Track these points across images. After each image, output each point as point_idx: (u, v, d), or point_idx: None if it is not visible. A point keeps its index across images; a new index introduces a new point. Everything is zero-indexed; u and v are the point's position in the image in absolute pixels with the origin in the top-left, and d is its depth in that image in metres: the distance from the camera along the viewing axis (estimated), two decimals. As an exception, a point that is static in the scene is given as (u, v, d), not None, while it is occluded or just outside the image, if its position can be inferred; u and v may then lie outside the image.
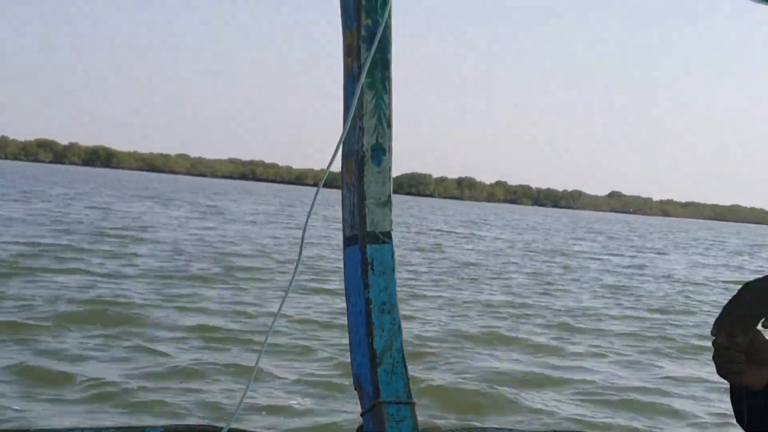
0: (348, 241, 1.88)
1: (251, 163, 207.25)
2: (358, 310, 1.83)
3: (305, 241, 1.90)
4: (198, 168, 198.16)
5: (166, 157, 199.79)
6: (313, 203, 1.83)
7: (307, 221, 1.86)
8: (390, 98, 1.89)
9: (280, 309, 1.92)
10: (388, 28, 1.87)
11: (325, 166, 1.81)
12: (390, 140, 1.89)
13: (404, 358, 1.82)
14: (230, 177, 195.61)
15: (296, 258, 1.89)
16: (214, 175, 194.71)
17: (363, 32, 1.86)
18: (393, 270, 1.84)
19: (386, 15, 1.87)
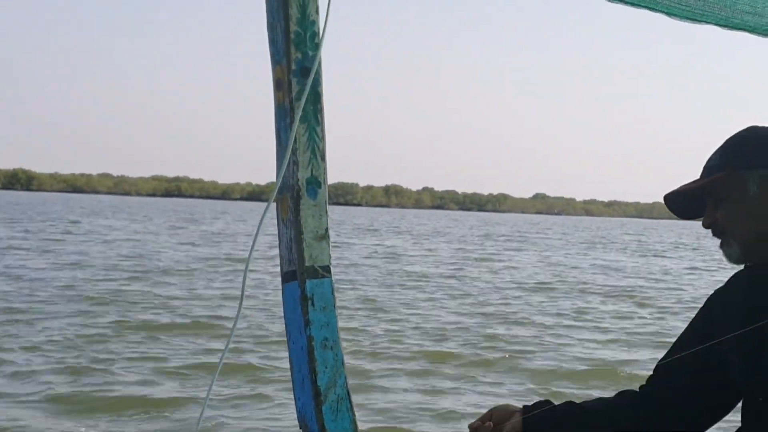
0: (286, 277, 1.86)
1: (176, 179, 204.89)
2: (300, 347, 1.81)
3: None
4: (122, 187, 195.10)
5: (88, 177, 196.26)
6: (253, 243, 1.80)
7: (247, 265, 1.84)
8: (323, 131, 1.88)
9: (227, 346, 1.88)
10: (318, 60, 1.86)
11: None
12: (325, 173, 1.88)
13: (349, 393, 1.80)
14: (154, 195, 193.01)
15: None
16: (139, 194, 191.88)
17: (293, 66, 1.85)
18: (333, 305, 1.83)
19: (316, 47, 1.87)
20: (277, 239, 1.87)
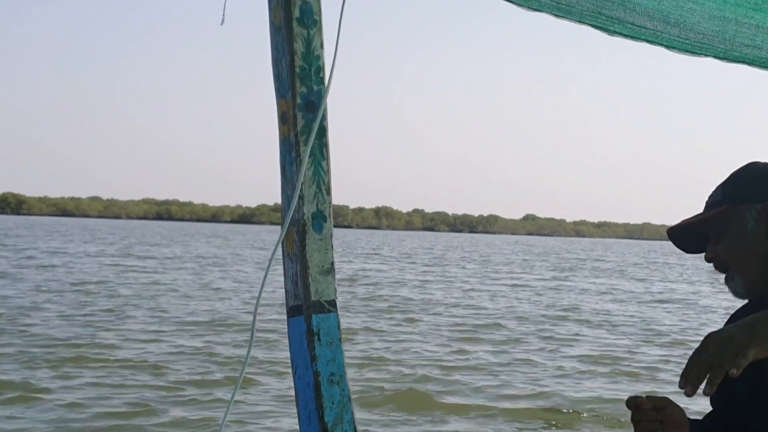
0: (292, 312, 1.86)
1: (165, 202, 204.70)
2: (306, 383, 1.80)
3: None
4: (111, 210, 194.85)
5: (78, 200, 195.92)
6: (264, 280, 1.80)
7: (258, 299, 1.83)
8: (328, 164, 1.88)
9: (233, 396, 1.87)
10: (323, 94, 1.87)
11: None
12: (330, 207, 1.88)
13: (356, 429, 1.80)
14: (145, 218, 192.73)
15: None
16: (129, 217, 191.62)
17: (298, 100, 1.85)
18: (339, 339, 1.83)
19: (321, 82, 1.87)
20: (282, 273, 1.87)
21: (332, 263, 1.86)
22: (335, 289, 1.85)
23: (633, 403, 1.98)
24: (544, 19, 2.20)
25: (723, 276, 2.02)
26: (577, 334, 15.37)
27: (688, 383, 1.55)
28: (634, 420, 1.99)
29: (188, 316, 15.65)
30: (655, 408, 1.98)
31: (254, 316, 1.84)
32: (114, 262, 30.46)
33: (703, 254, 2.05)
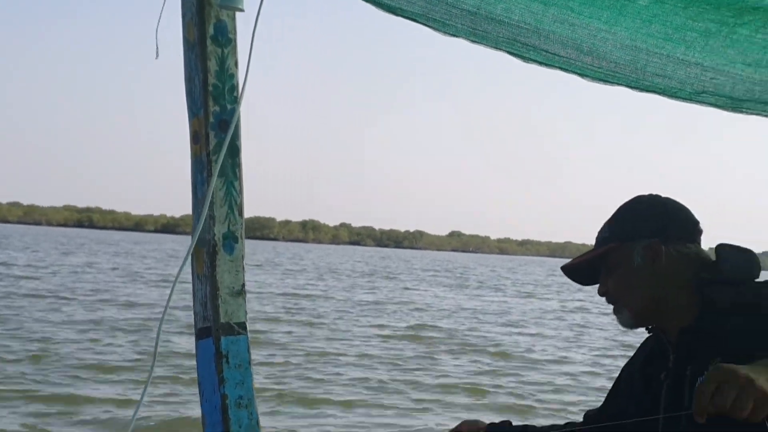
0: (200, 334, 1.83)
1: (87, 209, 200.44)
2: (213, 406, 1.78)
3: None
4: (32, 216, 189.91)
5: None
6: (169, 298, 1.76)
7: (163, 316, 1.80)
8: (241, 185, 1.86)
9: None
10: (237, 113, 1.85)
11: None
12: (242, 228, 1.86)
13: (263, 454, 1.78)
14: (66, 225, 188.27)
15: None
16: (49, 223, 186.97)
17: (211, 119, 1.83)
18: (249, 362, 1.80)
19: (234, 100, 1.86)
20: (192, 295, 1.84)
21: (243, 285, 1.84)
22: (246, 311, 1.83)
23: None
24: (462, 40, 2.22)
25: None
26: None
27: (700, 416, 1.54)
28: None
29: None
30: None
31: (158, 335, 1.81)
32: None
33: (592, 285, 2.13)
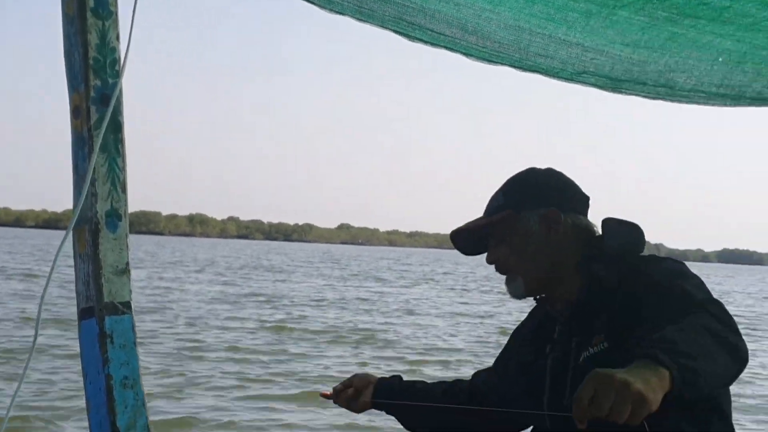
0: (83, 314, 1.77)
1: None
2: (98, 388, 1.73)
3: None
4: None
5: None
6: (49, 276, 1.71)
7: (42, 299, 1.73)
8: (124, 161, 1.82)
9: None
10: (119, 87, 1.80)
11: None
12: (126, 205, 1.82)
13: (151, 434, 1.74)
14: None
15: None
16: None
17: (92, 93, 1.78)
18: (134, 342, 1.76)
19: (116, 75, 1.81)
20: (74, 274, 1.79)
21: (127, 263, 1.79)
22: (130, 290, 1.79)
23: (325, 396, 2.37)
24: (350, 23, 2.22)
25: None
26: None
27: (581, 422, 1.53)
28: (336, 402, 2.36)
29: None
30: (345, 385, 2.35)
31: (38, 316, 1.75)
32: None
33: (477, 255, 2.14)
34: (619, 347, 1.82)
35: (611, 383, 1.48)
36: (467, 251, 2.15)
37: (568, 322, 2.00)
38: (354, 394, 2.33)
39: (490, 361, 2.39)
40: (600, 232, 2.03)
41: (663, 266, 1.91)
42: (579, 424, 1.52)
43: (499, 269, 2.07)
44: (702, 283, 1.87)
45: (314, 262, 58.51)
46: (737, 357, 1.65)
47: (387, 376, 2.39)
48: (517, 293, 2.06)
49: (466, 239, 2.12)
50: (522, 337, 2.20)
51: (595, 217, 2.09)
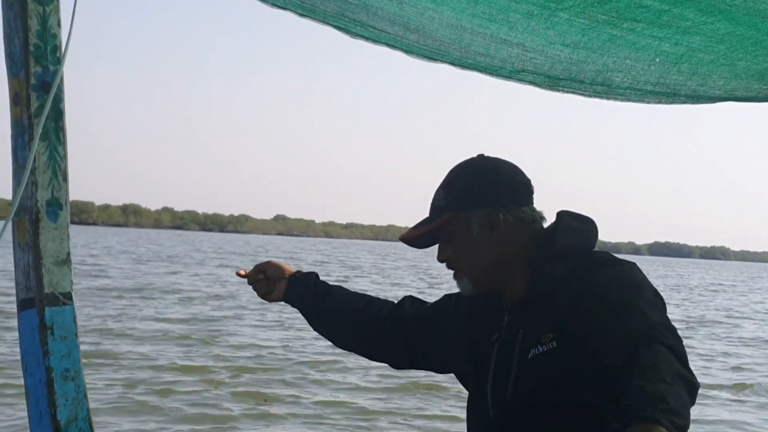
0: (23, 305, 1.75)
1: None
2: (38, 380, 1.71)
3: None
4: None
5: None
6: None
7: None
8: (65, 150, 1.80)
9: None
10: (60, 74, 1.78)
11: None
12: (67, 194, 1.80)
13: (92, 427, 1.72)
14: None
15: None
16: None
17: (33, 80, 1.75)
18: (75, 334, 1.75)
19: (58, 61, 1.78)
20: (13, 264, 1.76)
21: (68, 254, 1.78)
22: (71, 281, 1.77)
23: (239, 275, 2.35)
24: (291, 18, 2.21)
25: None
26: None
27: None
28: (250, 284, 2.35)
29: None
30: (258, 270, 2.34)
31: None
32: None
33: (431, 247, 2.14)
34: (568, 348, 1.86)
35: None
36: (419, 246, 2.15)
37: (516, 317, 2.01)
38: (266, 284, 2.33)
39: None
40: (551, 220, 2.04)
41: (617, 274, 1.91)
42: None
43: (448, 266, 2.08)
44: (655, 294, 1.88)
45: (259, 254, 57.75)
46: (694, 397, 1.68)
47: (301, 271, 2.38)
48: (466, 290, 2.07)
49: (416, 240, 2.13)
50: (459, 311, 2.18)
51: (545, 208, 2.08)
